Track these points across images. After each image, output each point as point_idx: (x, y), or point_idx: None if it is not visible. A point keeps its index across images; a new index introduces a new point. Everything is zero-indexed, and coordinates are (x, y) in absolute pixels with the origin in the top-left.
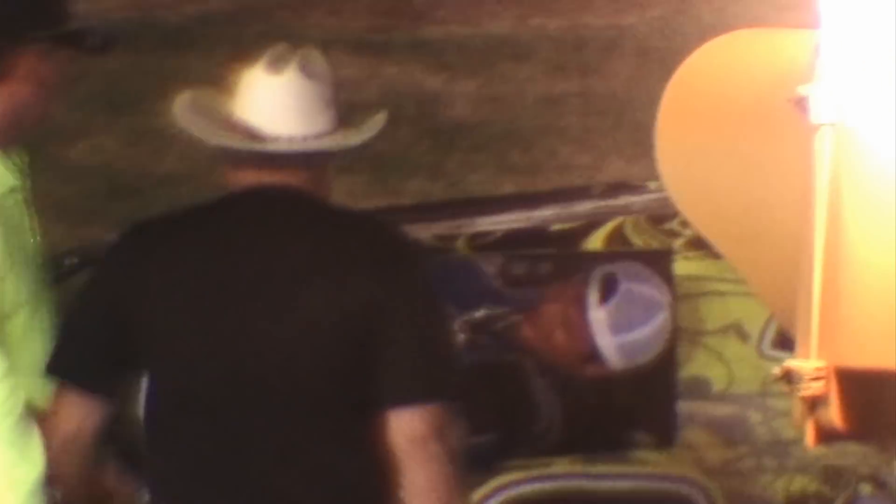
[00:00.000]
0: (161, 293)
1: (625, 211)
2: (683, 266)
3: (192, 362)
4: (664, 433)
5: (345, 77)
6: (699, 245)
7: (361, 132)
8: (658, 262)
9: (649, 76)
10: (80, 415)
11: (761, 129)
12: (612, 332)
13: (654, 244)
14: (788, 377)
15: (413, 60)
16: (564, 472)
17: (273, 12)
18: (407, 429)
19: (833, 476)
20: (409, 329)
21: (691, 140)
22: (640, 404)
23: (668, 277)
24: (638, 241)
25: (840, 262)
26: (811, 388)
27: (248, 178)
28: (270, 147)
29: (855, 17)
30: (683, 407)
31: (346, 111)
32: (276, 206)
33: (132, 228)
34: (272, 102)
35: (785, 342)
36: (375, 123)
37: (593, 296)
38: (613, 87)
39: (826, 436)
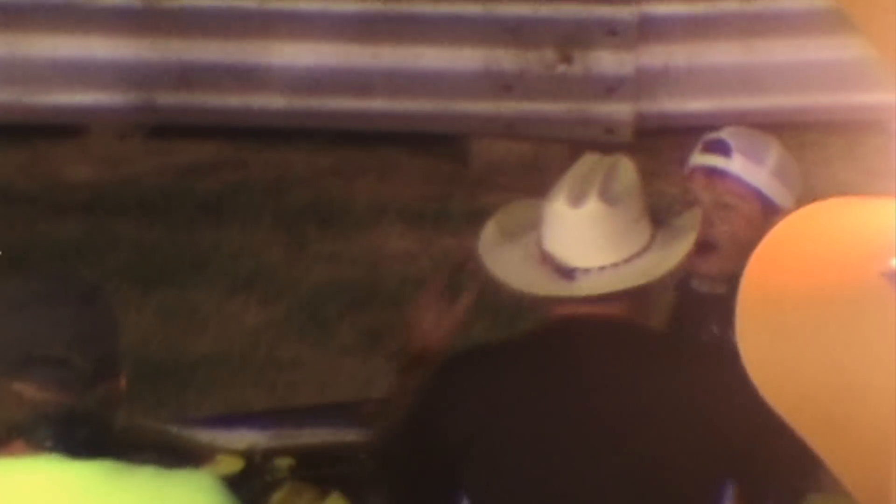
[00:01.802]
0: (489, 428)
1: None
2: None
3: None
4: None
5: (397, 250)
6: None
7: (676, 243)
8: None
9: None
10: None
11: (851, 306)
12: None
13: None
14: None
15: (471, 232)
16: None
17: (318, 179)
18: None
19: None
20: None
21: (775, 318)
22: None
23: None
24: None
25: None
26: None
27: (563, 308)
28: (580, 288)
29: None
30: None
31: (658, 212)
32: (601, 338)
33: (452, 363)
34: (576, 236)
35: None
36: (689, 230)
37: None
38: None
39: None
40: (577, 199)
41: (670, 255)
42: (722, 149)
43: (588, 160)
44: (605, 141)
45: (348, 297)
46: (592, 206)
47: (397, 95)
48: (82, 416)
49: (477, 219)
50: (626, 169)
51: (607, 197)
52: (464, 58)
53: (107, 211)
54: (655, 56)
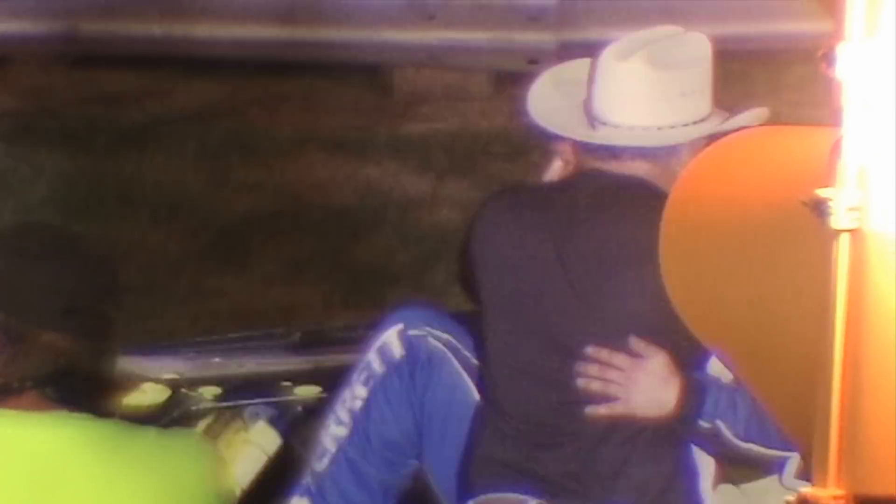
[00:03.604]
0: (494, 262)
1: None
2: None
3: (511, 330)
4: None
5: (320, 179)
6: None
7: (718, 123)
8: None
9: None
10: None
11: (775, 235)
12: None
13: None
14: None
15: (395, 160)
16: None
17: (242, 109)
18: None
19: None
20: None
21: (699, 248)
22: None
23: None
24: None
25: (860, 382)
26: None
27: (589, 162)
28: (594, 136)
29: (880, 112)
30: None
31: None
32: (610, 191)
33: (490, 199)
34: (611, 89)
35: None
36: (748, 117)
37: None
38: None
39: None
40: (623, 55)
41: (697, 130)
42: None
43: (662, 29)
44: (527, 71)
45: (272, 226)
46: (634, 63)
47: (321, 25)
48: (92, 370)
49: (401, 148)
50: (697, 44)
51: (654, 60)
52: None
53: (30, 141)
54: None
